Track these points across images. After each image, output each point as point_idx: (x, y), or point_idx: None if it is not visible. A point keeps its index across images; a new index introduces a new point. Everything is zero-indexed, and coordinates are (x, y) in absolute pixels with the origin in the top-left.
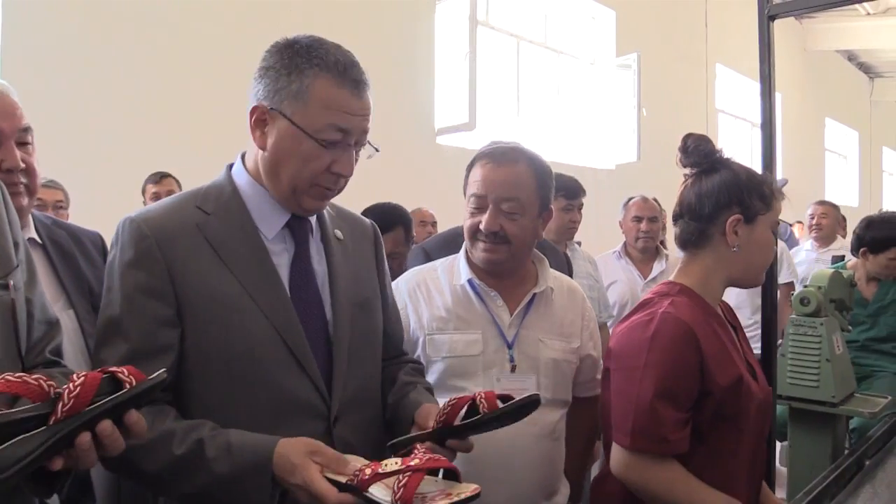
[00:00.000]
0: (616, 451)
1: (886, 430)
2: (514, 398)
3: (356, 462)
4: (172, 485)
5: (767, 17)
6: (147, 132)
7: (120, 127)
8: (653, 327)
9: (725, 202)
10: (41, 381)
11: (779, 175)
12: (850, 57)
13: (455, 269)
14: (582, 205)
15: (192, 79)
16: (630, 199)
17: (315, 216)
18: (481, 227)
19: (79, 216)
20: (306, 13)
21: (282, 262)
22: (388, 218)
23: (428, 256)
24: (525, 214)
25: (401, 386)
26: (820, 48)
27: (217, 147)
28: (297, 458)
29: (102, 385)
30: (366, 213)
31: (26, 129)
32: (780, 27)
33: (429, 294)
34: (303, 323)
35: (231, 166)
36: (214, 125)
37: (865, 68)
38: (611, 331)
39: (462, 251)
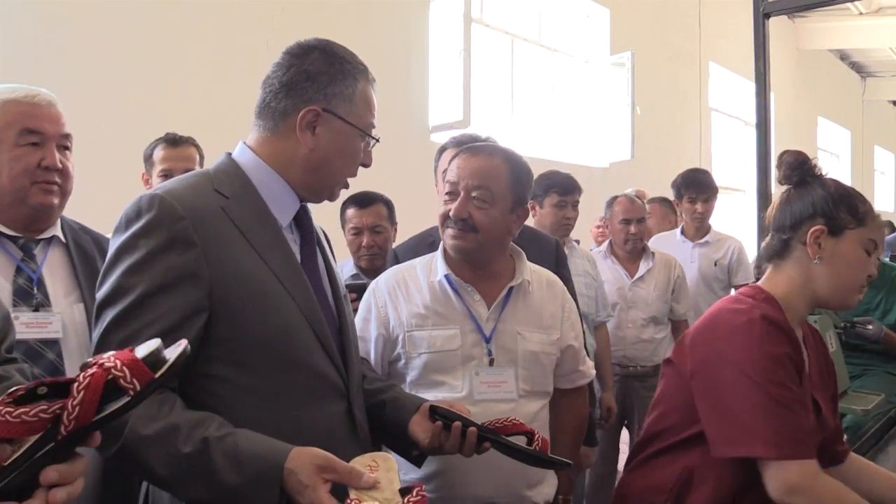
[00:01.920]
0: (774, 472)
1: (880, 427)
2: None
3: (368, 473)
4: (182, 487)
5: (762, 15)
6: (140, 130)
7: (111, 125)
8: (758, 328)
9: (810, 213)
10: (40, 414)
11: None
12: (843, 56)
13: (433, 267)
14: (577, 202)
15: (190, 78)
16: (614, 199)
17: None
18: (450, 213)
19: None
20: (300, 10)
21: (294, 250)
22: (369, 195)
23: (397, 260)
24: (495, 206)
25: (372, 380)
26: (812, 47)
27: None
28: (308, 479)
29: (105, 392)
30: (348, 197)
31: (67, 136)
32: (773, 26)
33: (408, 292)
34: None
35: (229, 154)
36: (214, 123)
37: (858, 68)
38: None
39: (440, 248)
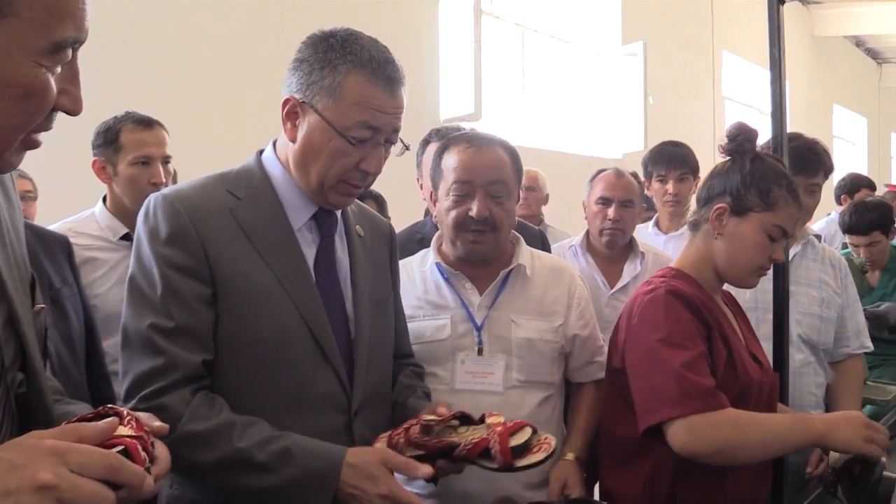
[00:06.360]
0: (674, 429)
1: None
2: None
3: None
4: (228, 477)
5: (777, 1)
6: None
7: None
8: (661, 301)
9: (720, 190)
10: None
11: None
12: (858, 43)
13: (426, 257)
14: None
15: (193, 76)
16: (598, 173)
17: (339, 211)
18: (472, 213)
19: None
20: (311, 3)
21: (308, 253)
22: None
23: None
24: (510, 198)
25: (400, 389)
26: (827, 34)
27: (212, 141)
28: (377, 470)
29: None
30: None
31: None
32: (787, 13)
33: (403, 286)
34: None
35: (262, 151)
36: (222, 119)
37: (873, 54)
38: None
39: (434, 240)
